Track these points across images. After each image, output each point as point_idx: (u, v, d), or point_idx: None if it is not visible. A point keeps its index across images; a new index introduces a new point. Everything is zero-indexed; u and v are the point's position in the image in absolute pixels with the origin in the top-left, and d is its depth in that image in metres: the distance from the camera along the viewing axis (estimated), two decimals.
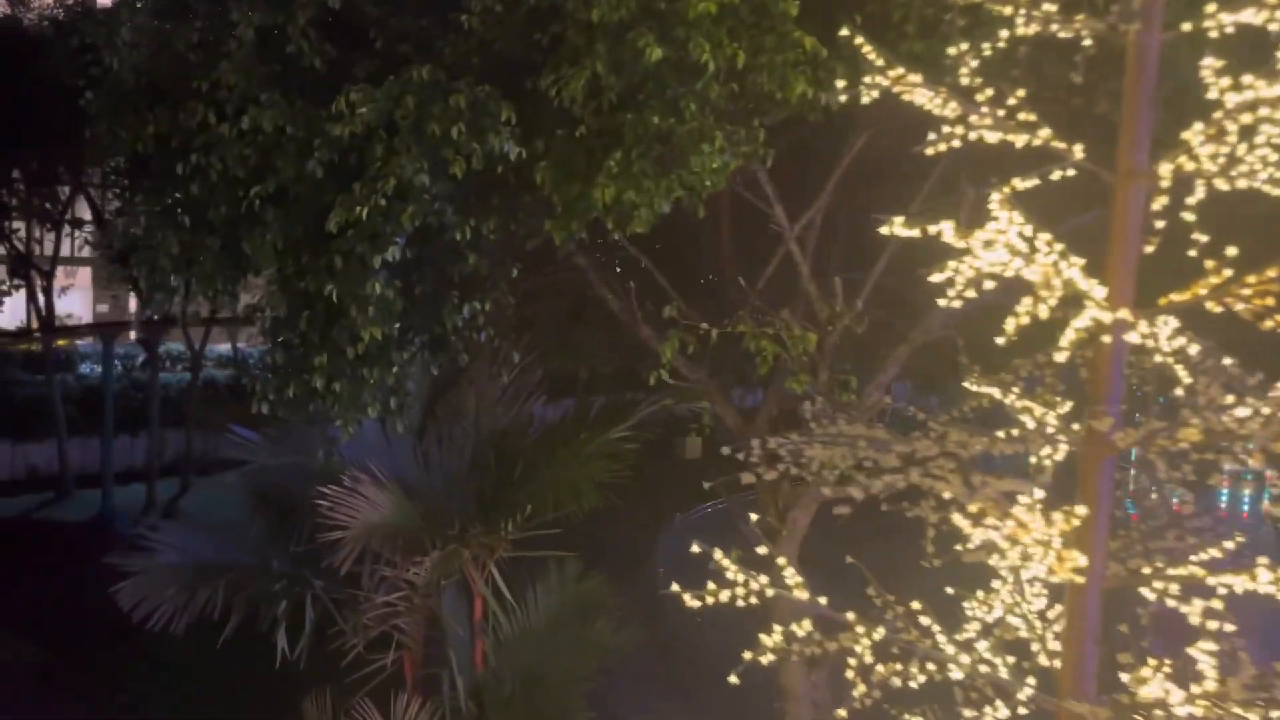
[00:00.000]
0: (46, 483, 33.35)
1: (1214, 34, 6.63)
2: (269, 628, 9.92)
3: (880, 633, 7.42)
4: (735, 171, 9.67)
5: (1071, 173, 7.17)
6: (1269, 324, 6.39)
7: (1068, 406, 8.00)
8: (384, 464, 9.87)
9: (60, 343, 35.88)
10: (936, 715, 8.26)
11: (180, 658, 14.65)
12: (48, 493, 32.91)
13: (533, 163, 9.05)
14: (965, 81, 7.13)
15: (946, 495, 7.09)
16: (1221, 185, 6.52)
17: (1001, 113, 7.09)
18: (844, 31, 7.53)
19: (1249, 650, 6.85)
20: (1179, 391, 7.05)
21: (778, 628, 7.46)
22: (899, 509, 7.55)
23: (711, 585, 7.52)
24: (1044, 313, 6.85)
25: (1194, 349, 6.83)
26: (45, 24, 27.60)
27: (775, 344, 10.53)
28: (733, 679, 7.62)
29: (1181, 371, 6.92)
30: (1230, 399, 6.65)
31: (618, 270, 14.68)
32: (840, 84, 7.20)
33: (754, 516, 13.74)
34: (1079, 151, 7.10)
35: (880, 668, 7.47)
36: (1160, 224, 6.74)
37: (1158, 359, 7.18)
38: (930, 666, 7.57)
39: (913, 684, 7.56)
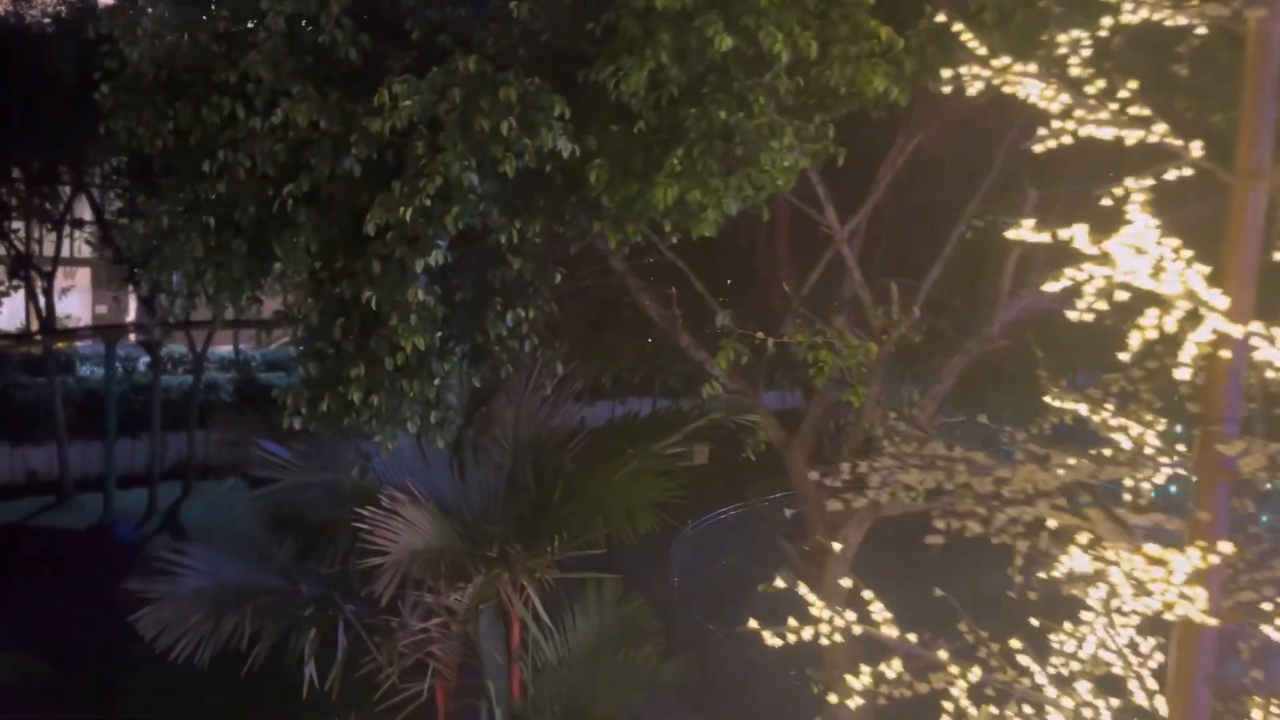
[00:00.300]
0: (46, 486, 32.73)
1: None
2: (295, 655, 9.28)
3: (977, 674, 6.82)
4: None
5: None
6: None
7: (1162, 425, 7.44)
8: (421, 482, 9.24)
9: (60, 345, 35.28)
10: None
11: (193, 676, 13.94)
12: (47, 497, 32.32)
13: (584, 161, 8.44)
14: (1075, 72, 6.55)
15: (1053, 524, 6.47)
16: None
17: (1114, 107, 6.50)
18: (940, 18, 6.92)
19: None
20: None
21: (865, 668, 6.87)
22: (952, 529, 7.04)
23: (793, 622, 6.94)
24: (1171, 326, 6.24)
25: None
26: (48, 21, 27.04)
27: (833, 354, 9.92)
28: None
29: None
30: None
31: (650, 277, 14.10)
32: (946, 73, 6.51)
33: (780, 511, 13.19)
34: (1197, 149, 6.51)
35: (975, 711, 6.89)
36: None
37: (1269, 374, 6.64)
38: (1027, 709, 7.00)
39: None
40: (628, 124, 8.37)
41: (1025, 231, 5.99)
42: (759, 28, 7.71)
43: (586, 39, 8.81)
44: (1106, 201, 6.44)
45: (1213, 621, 6.21)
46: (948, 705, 6.84)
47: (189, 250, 9.00)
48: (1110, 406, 7.59)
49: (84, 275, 45.65)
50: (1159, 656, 7.61)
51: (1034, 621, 7.82)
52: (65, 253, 33.49)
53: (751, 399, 11.49)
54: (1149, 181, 6.46)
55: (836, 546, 11.45)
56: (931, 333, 11.71)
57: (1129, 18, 6.74)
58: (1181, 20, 6.62)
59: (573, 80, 8.69)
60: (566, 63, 8.84)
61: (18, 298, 32.88)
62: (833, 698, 7.53)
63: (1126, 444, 7.24)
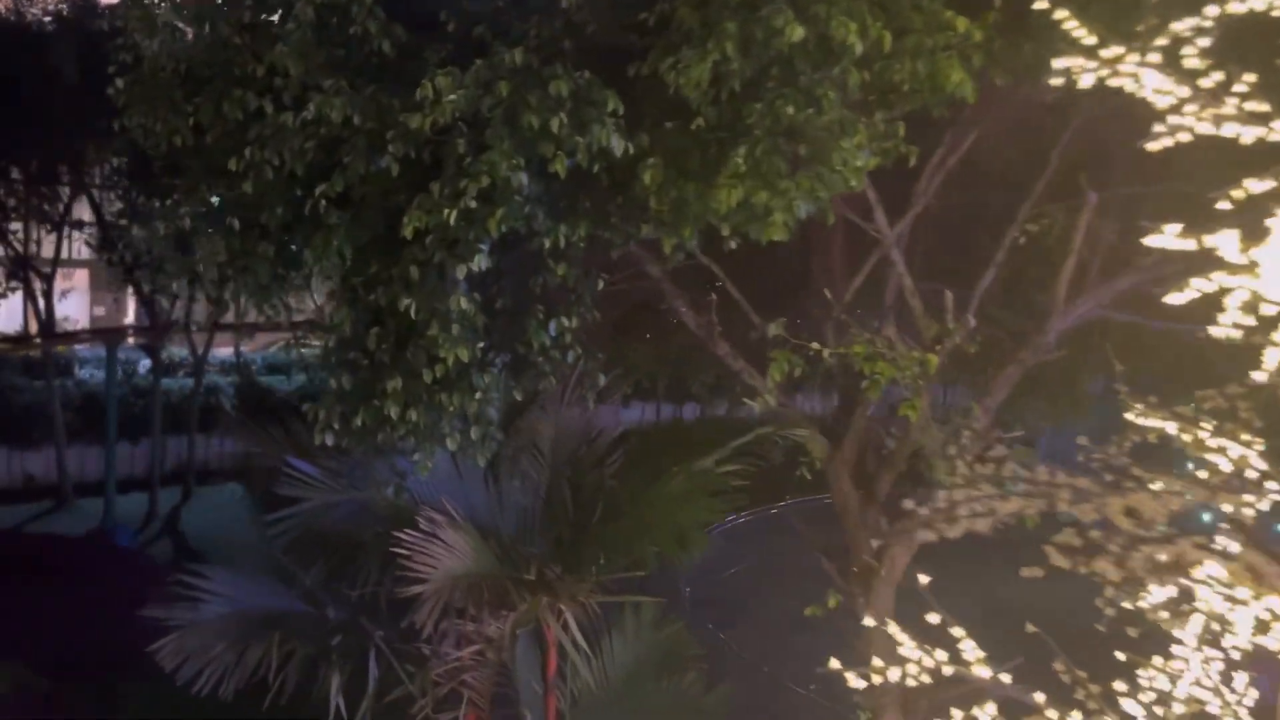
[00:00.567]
0: (44, 491, 32.26)
1: None
2: (324, 686, 8.69)
3: (1078, 718, 6.30)
4: None
5: None
6: None
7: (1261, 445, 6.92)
8: (457, 501, 8.68)
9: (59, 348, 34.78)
10: None
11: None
12: (46, 502, 31.86)
13: (636, 160, 7.89)
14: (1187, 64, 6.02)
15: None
16: None
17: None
18: (1040, 4, 6.38)
19: None
20: None
21: (957, 711, 6.33)
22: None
23: (878, 662, 6.41)
24: None
25: None
26: (48, 19, 26.57)
27: (891, 366, 9.37)
28: None
29: None
30: None
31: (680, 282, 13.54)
32: (1057, 64, 5.97)
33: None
34: None
35: None
36: None
37: None
38: None
39: None
40: (683, 121, 7.82)
41: (1168, 238, 5.40)
42: (830, 17, 7.16)
43: (637, 31, 8.26)
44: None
45: None
46: None
47: (212, 254, 8.45)
48: (1206, 426, 7.07)
49: (81, 276, 45.19)
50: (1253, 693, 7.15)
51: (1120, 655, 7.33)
52: (63, 254, 32.94)
53: (798, 412, 10.94)
54: (1272, 183, 5.94)
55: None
56: (983, 342, 11.18)
57: (1236, 7, 6.23)
58: None
59: (622, 74, 8.14)
60: (615, 56, 8.29)
61: (15, 299, 32.40)
62: None
63: (1225, 466, 6.75)
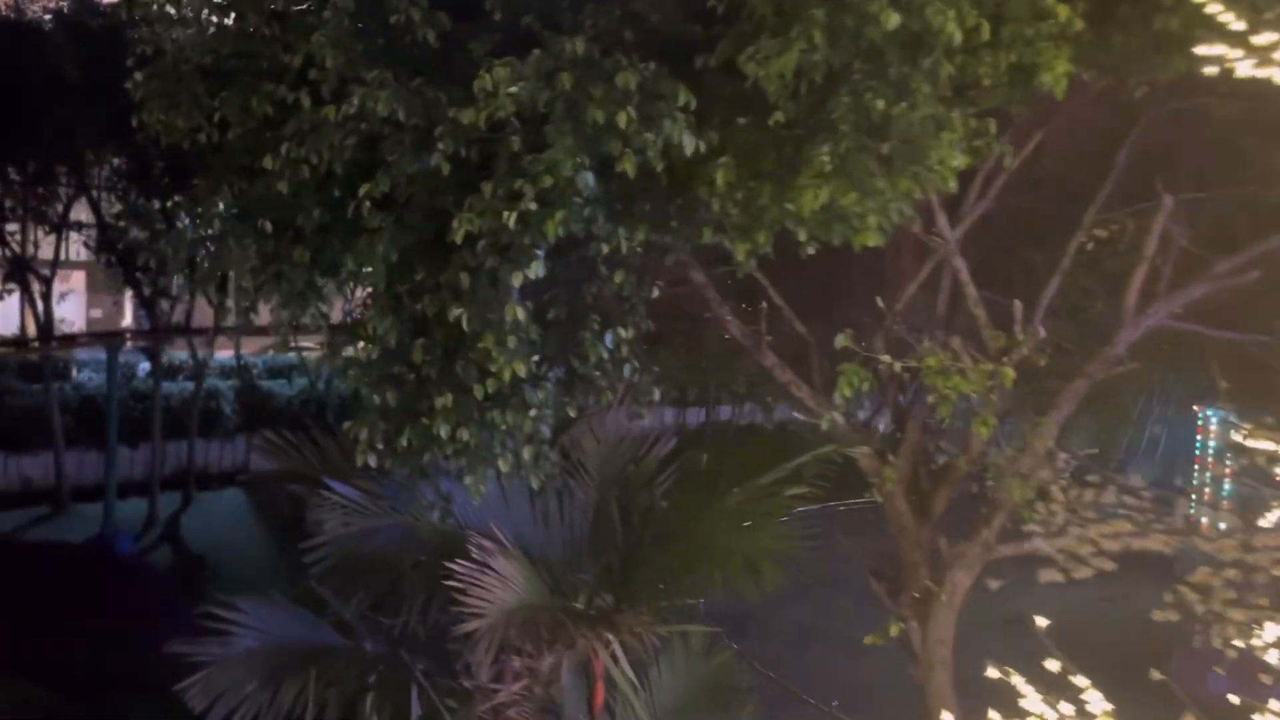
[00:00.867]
0: (41, 496, 31.63)
1: None
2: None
3: None
4: None
5: None
6: None
7: None
8: (504, 526, 8.06)
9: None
10: None
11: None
12: (43, 507, 31.23)
13: (704, 160, 7.28)
14: None
15: None
16: None
17: None
18: None
19: None
20: None
21: None
22: None
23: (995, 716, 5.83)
24: None
25: None
26: (47, 17, 26.00)
27: (965, 380, 8.77)
28: None
29: None
30: None
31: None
32: (1202, 51, 5.39)
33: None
34: None
35: None
36: None
37: None
38: None
39: None
40: (757, 116, 7.21)
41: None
42: (926, 3, 6.56)
43: (702, 21, 7.66)
44: None
45: None
46: None
47: (242, 259, 7.83)
48: None
49: (78, 278, 44.61)
50: None
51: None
52: (60, 255, 32.38)
53: (858, 429, 10.35)
54: None
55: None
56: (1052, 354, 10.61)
57: None
58: None
59: (687, 67, 7.53)
60: (679, 48, 7.68)
61: (12, 302, 31.83)
62: None
63: None
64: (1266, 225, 9.98)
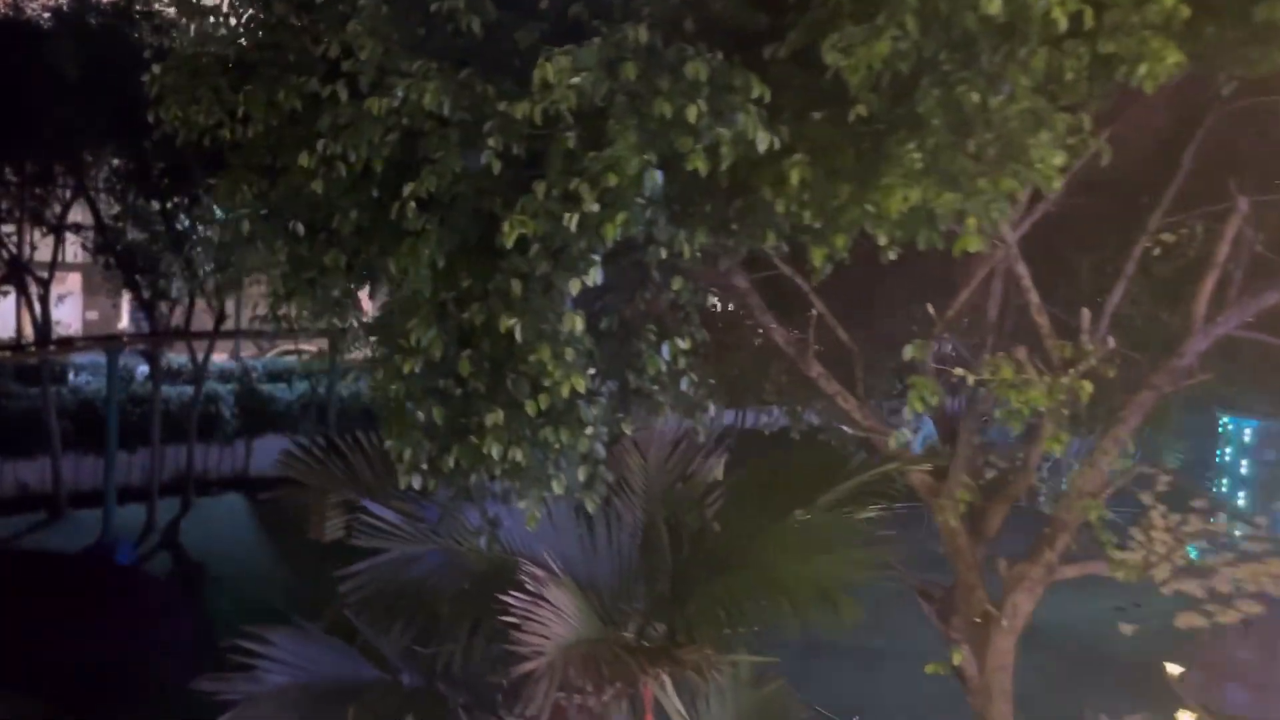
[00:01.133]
0: (38, 502, 31.09)
1: None
2: None
3: None
4: None
5: None
6: None
7: None
8: (553, 552, 7.49)
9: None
10: None
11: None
12: (40, 513, 30.71)
13: (776, 157, 6.72)
14: None
15: None
16: None
17: None
18: None
19: None
20: None
21: None
22: None
23: None
24: None
25: None
26: (46, 15, 25.49)
27: (1041, 394, 8.21)
28: None
29: None
30: None
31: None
32: None
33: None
34: None
35: None
36: None
37: None
38: None
39: None
40: (834, 110, 6.66)
41: None
42: None
43: (770, 9, 7.11)
44: None
45: None
46: None
47: (272, 262, 7.27)
48: None
49: (74, 280, 44.14)
50: None
51: None
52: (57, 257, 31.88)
53: (934, 450, 9.80)
54: None
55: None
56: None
57: None
58: None
59: (754, 58, 6.98)
60: (745, 37, 7.13)
61: (8, 305, 31.33)
62: None
63: None
64: None
